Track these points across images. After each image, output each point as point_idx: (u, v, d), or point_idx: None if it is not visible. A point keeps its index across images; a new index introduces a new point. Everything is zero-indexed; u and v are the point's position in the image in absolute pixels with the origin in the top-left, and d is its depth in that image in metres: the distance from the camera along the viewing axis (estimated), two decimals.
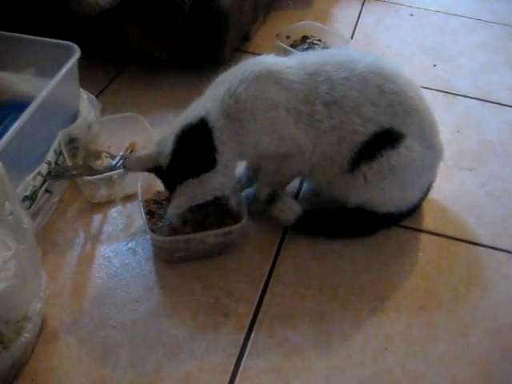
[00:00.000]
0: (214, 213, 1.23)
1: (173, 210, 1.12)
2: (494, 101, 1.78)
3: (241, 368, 1.03)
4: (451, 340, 1.10)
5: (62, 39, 1.41)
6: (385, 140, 1.16)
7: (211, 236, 1.17)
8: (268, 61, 1.18)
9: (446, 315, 1.14)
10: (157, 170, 1.14)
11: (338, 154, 1.18)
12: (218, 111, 1.11)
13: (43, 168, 1.25)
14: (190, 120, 1.12)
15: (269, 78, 1.13)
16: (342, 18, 2.18)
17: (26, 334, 0.97)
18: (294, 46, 1.85)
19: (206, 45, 1.70)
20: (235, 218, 1.22)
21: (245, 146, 1.14)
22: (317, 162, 1.20)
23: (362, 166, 1.18)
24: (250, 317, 1.11)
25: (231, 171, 1.16)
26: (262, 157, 1.20)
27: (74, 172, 1.30)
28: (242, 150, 1.15)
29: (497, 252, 1.28)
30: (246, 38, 1.95)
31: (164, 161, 1.12)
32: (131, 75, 1.76)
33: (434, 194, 1.37)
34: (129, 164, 1.18)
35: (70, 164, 1.30)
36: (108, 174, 1.29)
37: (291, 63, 1.18)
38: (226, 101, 1.11)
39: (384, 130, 1.16)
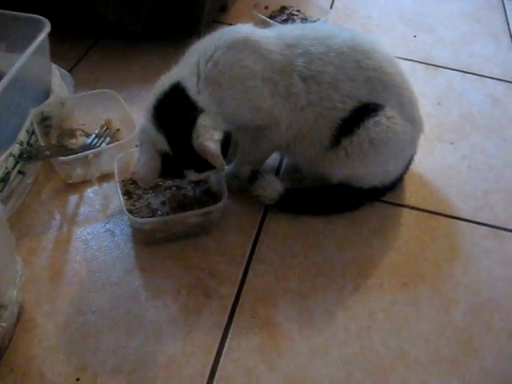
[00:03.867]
0: (193, 192, 1.21)
1: (214, 145, 1.02)
2: (476, 72, 1.76)
3: (224, 350, 1.02)
4: (435, 317, 1.09)
5: (33, 13, 1.34)
6: (364, 112, 1.14)
7: (191, 216, 1.14)
8: (245, 29, 1.13)
9: (429, 291, 1.13)
10: (165, 159, 1.06)
11: (317, 131, 1.16)
12: (192, 74, 1.06)
13: (15, 148, 1.21)
14: (164, 90, 1.06)
15: (246, 45, 1.09)
16: None
17: (3, 324, 0.94)
18: (272, 16, 1.81)
19: (183, 16, 1.65)
20: (215, 196, 1.20)
21: (225, 110, 1.08)
22: (294, 138, 1.18)
23: (342, 141, 1.16)
24: (233, 297, 1.09)
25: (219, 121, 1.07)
26: (239, 128, 1.15)
27: (48, 152, 1.25)
28: (224, 112, 1.08)
29: (478, 226, 1.28)
30: (224, 8, 1.90)
31: (164, 147, 1.04)
32: (105, 49, 1.70)
33: (415, 168, 1.36)
34: (142, 177, 1.07)
35: (43, 144, 1.26)
36: (83, 153, 1.25)
37: (269, 34, 1.14)
38: (202, 64, 1.07)
39: (363, 105, 1.14)
